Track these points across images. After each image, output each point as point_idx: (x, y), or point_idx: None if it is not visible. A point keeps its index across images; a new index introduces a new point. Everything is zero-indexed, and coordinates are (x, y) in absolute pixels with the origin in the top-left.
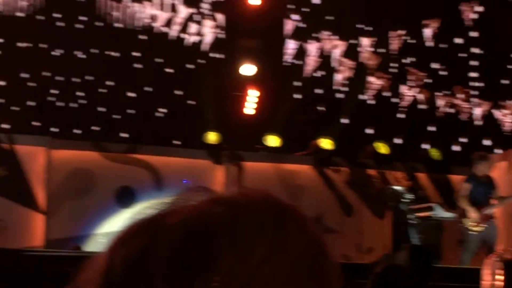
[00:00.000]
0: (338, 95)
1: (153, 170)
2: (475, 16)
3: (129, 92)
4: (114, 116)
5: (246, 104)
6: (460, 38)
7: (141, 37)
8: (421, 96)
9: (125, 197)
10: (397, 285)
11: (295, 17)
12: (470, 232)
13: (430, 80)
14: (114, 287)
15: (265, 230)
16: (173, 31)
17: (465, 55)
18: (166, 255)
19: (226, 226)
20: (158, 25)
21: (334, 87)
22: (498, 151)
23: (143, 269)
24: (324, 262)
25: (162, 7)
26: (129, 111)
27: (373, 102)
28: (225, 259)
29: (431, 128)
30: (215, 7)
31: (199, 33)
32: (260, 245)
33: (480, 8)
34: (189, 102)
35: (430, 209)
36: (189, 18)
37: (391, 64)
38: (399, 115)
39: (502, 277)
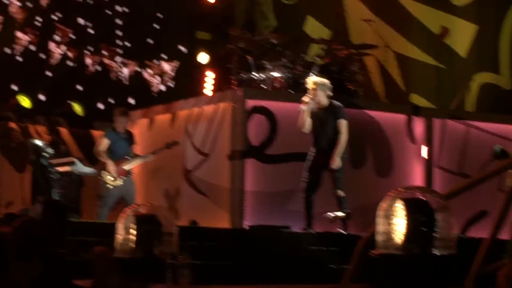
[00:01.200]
0: None
1: None
2: None
3: None
4: None
5: None
6: None
7: None
8: (69, 53)
9: None
10: (34, 239)
11: None
12: (108, 187)
13: (78, 37)
14: None
15: None
16: None
17: (110, 12)
18: None
19: None
20: None
21: None
22: (141, 109)
23: None
24: None
25: None
26: None
27: (19, 57)
28: None
29: (78, 85)
30: None
31: None
32: None
33: None
34: None
35: (71, 164)
36: None
37: (39, 19)
38: (46, 71)
39: (135, 231)
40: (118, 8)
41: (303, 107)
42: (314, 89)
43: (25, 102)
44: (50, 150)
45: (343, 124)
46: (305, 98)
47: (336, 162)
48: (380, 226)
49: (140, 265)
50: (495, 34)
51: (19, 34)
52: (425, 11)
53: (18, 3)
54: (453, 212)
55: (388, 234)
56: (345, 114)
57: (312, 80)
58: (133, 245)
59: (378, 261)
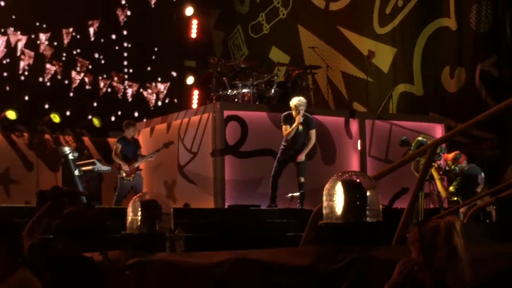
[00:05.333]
0: (22, 78)
1: None
2: (125, 17)
3: None
4: None
5: None
6: (115, 34)
7: None
8: (86, 79)
9: None
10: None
11: None
12: (123, 181)
13: (93, 67)
14: None
15: None
16: None
17: (118, 47)
18: None
19: None
20: None
21: (19, 72)
22: (144, 120)
23: None
24: None
25: None
26: None
27: (49, 83)
28: None
29: (94, 103)
30: None
31: None
32: None
33: (128, 12)
34: None
35: (92, 164)
36: None
37: (63, 54)
38: (70, 93)
39: (141, 213)
40: (125, 44)
41: (296, 125)
42: (297, 108)
43: (55, 118)
44: (76, 154)
45: (313, 133)
46: (300, 118)
47: (303, 157)
48: (325, 202)
49: (145, 239)
50: (409, 54)
51: (48, 66)
52: (357, 38)
53: (47, 43)
54: (380, 189)
55: (331, 208)
56: (314, 125)
57: (294, 102)
58: (140, 224)
59: (325, 228)
